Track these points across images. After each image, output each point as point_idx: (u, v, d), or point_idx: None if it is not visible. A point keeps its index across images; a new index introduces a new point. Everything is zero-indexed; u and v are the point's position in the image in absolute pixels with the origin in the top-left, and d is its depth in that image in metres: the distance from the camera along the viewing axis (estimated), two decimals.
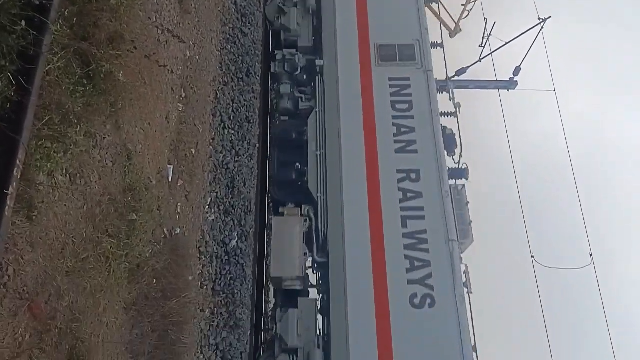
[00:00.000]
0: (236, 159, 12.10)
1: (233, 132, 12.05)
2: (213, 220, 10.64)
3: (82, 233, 6.14)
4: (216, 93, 11.45)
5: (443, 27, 15.47)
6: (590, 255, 15.98)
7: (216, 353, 10.40)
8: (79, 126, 6.03)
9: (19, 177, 4.85)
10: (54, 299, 5.65)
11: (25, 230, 5.15)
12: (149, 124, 7.99)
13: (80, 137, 6.05)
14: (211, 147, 10.92)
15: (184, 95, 9.63)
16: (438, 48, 14.20)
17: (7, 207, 4.63)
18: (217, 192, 10.87)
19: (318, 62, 11.94)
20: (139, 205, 7.45)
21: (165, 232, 8.52)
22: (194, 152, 9.81)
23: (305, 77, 12.33)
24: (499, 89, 17.77)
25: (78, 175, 6.07)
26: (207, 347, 10.02)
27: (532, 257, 16.00)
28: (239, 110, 12.52)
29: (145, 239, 7.71)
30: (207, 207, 10.40)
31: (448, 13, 15.74)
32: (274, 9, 13.20)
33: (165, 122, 8.72)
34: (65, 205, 5.83)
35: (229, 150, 11.79)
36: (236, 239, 11.76)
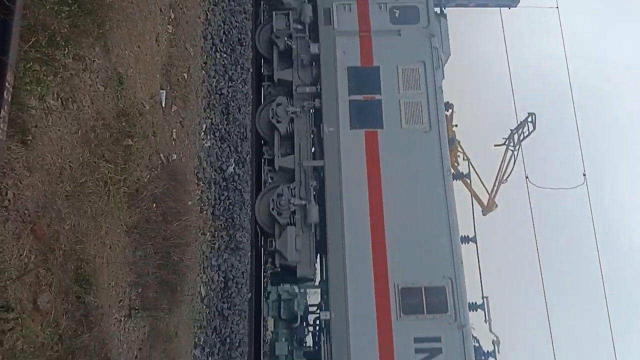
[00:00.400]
0: (230, 84, 11.90)
1: (225, 55, 11.77)
2: (209, 146, 10.63)
3: (79, 158, 6.13)
4: (206, 14, 11.07)
5: (475, 202, 13.86)
6: (584, 174, 16.17)
7: (218, 273, 10.74)
8: (66, 48, 5.86)
9: (9, 100, 4.76)
10: (56, 222, 5.74)
11: (21, 154, 5.14)
12: (139, 46, 7.78)
13: (69, 59, 5.90)
14: (203, 72, 10.70)
15: (173, 16, 9.31)
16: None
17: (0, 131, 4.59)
18: (211, 119, 10.78)
19: (323, 315, 10.50)
20: (134, 130, 7.40)
21: (162, 157, 8.53)
22: (186, 77, 9.63)
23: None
24: (500, 7, 17.19)
25: (70, 99, 5.98)
26: (209, 268, 10.32)
27: (527, 177, 16.19)
28: (231, 32, 12.16)
29: (142, 164, 7.73)
30: (203, 133, 10.35)
31: (484, 186, 14.04)
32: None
33: (155, 45, 8.48)
34: (59, 129, 5.79)
35: (222, 75, 11.57)
36: (233, 165, 11.80)
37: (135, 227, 7.53)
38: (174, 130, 8.97)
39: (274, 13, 13.13)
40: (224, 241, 11.05)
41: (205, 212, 10.19)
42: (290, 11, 13.10)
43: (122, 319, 7.33)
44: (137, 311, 7.56)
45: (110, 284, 7.01)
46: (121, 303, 7.32)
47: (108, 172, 6.67)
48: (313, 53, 12.62)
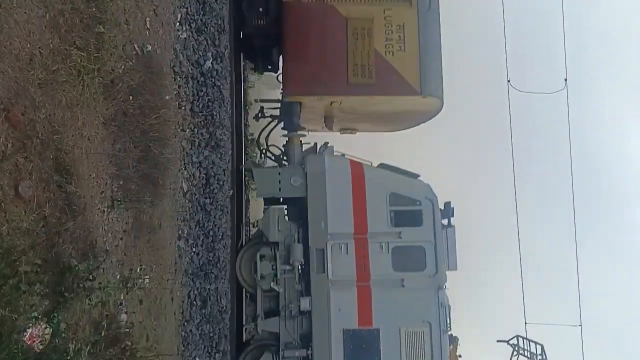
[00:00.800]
0: None
1: None
2: (185, 38, 10.23)
3: (49, 44, 5.88)
4: None
5: None
6: (565, 80, 16.12)
7: (199, 170, 10.81)
8: None
9: None
10: (31, 110, 5.62)
11: None
12: None
13: None
14: None
15: None
16: None
17: None
18: (187, 8, 10.28)
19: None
20: (105, 17, 7.05)
21: (136, 48, 8.22)
22: None
23: None
24: None
25: None
26: (190, 164, 10.37)
27: (508, 81, 16.09)
28: None
29: (116, 54, 7.46)
30: (178, 24, 9.91)
31: None
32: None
33: None
34: (25, 12, 5.48)
35: None
36: (211, 59, 11.47)
37: (113, 120, 7.42)
38: (147, 18, 8.57)
39: (258, 255, 11.98)
40: (204, 138, 11.01)
41: (183, 107, 10.04)
42: (276, 247, 11.97)
43: (105, 209, 7.43)
44: (119, 202, 7.66)
45: (91, 175, 7.02)
46: (103, 194, 7.39)
47: (80, 60, 6.43)
48: (304, 309, 11.52)
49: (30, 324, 4.64)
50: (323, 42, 12.15)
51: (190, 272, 10.43)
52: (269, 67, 14.53)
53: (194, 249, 10.60)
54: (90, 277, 5.76)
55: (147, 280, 8.43)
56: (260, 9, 12.81)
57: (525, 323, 14.52)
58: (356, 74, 12.02)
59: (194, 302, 10.59)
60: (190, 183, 10.41)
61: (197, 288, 10.72)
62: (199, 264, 10.82)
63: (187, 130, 10.22)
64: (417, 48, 12.05)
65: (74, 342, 5.11)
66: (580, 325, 15.12)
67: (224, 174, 11.97)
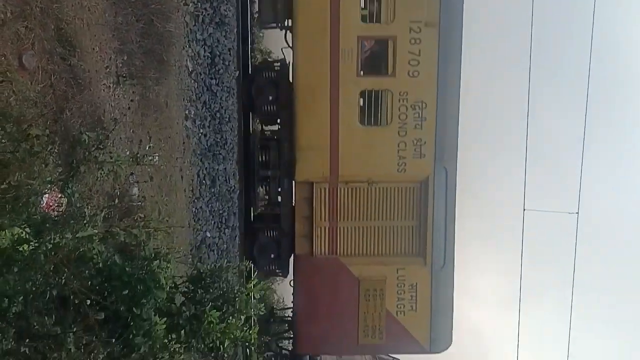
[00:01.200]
0: None
1: None
2: None
3: None
4: None
5: None
6: None
7: (204, 48, 10.52)
8: None
9: None
10: None
11: None
12: None
13: None
14: None
15: None
16: None
17: None
18: None
19: None
20: None
21: None
22: None
23: None
24: None
25: None
26: (194, 41, 10.06)
27: None
28: None
29: None
30: None
31: None
32: None
33: None
34: None
35: None
36: None
37: None
38: None
39: None
40: (208, 14, 10.57)
41: None
42: None
43: (111, 85, 7.36)
44: (125, 78, 7.57)
45: (94, 48, 6.86)
46: (108, 70, 7.27)
47: None
48: None
49: (46, 190, 4.79)
50: (334, 300, 11.96)
51: (198, 152, 10.57)
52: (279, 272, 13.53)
53: (201, 130, 10.64)
54: (101, 145, 5.84)
55: (157, 157, 8.57)
56: (270, 97, 11.94)
57: (524, 210, 14.93)
58: (367, 335, 12.09)
59: (204, 181, 10.85)
60: (195, 62, 10.18)
61: (206, 168, 10.93)
62: (207, 144, 10.92)
63: (190, 4, 9.79)
64: (429, 307, 12.00)
65: (89, 207, 5.32)
66: (578, 213, 15.53)
67: (229, 53, 11.64)
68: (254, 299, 6.74)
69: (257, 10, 12.45)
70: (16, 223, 4.21)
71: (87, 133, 5.64)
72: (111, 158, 6.28)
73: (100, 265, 4.98)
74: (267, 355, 13.43)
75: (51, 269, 4.35)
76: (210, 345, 5.81)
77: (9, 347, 4.11)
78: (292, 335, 13.08)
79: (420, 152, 11.22)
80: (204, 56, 10.62)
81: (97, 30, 6.76)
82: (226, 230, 11.65)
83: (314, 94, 11.03)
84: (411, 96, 11.01)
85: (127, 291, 5.06)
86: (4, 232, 4.13)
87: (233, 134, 12.19)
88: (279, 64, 12.22)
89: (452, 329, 12.47)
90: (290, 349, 13.38)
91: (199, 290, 6.27)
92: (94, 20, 6.63)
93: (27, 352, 4.24)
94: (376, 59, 11.67)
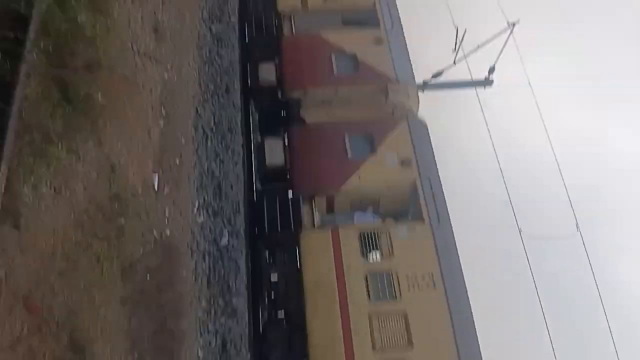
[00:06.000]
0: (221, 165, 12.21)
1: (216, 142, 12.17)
2: (202, 222, 10.74)
3: (72, 237, 6.24)
4: (197, 109, 11.57)
5: None
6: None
7: (216, 337, 10.49)
8: (60, 144, 6.15)
9: (2, 190, 4.96)
10: (49, 296, 5.75)
11: (14, 238, 5.26)
12: (131, 138, 8.11)
13: (62, 153, 6.17)
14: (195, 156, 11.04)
15: (164, 112, 9.75)
16: None
17: None
18: (204, 197, 10.98)
19: None
20: (127, 211, 7.55)
21: (155, 234, 8.61)
22: (177, 162, 9.92)
23: None
24: (476, 87, 17.99)
25: (63, 186, 6.18)
26: (206, 332, 10.10)
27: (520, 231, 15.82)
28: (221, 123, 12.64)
29: (136, 241, 7.81)
30: (195, 210, 10.51)
31: None
32: None
33: (147, 138, 8.83)
34: (52, 213, 5.94)
35: (214, 159, 11.90)
36: (227, 236, 11.86)
37: (130, 298, 7.49)
38: (167, 208, 9.13)
39: None
40: (220, 307, 10.88)
41: (199, 280, 10.13)
42: None
43: None
44: None
45: (105, 352, 6.88)
46: None
47: (101, 249, 6.75)
48: None
49: None
50: None
51: None
52: None
53: None
54: None
55: None
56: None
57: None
58: None
59: None
60: (205, 350, 10.03)
61: None
62: None
63: (203, 301, 10.16)
64: None
65: None
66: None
67: (241, 339, 11.55)
68: None
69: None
70: None
71: None
72: None
73: None
74: None
75: None
76: None
77: None
78: None
79: None
80: (215, 345, 10.51)
81: (109, 334, 6.89)
82: None
83: None
84: None
85: None
86: None
87: None
88: None
89: None
90: None
91: None
92: (107, 327, 6.83)
93: None
94: None
